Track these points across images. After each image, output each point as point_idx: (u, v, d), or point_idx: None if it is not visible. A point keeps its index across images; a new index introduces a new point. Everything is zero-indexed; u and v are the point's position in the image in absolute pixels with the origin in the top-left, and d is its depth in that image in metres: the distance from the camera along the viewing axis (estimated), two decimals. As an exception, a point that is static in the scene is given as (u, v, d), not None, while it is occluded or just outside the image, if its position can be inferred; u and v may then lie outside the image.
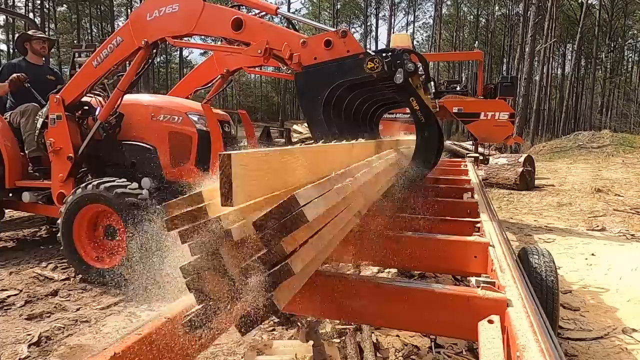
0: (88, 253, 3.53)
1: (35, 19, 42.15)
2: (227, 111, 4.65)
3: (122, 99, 3.70)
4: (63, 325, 2.73)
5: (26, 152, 4.16)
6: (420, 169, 1.74)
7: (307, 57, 2.23)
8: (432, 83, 2.42)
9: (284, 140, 17.70)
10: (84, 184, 3.50)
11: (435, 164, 1.77)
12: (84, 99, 3.95)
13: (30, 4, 40.92)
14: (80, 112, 3.93)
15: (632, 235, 5.32)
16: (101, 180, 3.44)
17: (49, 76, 4.74)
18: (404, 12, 54.18)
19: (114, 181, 3.43)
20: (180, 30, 3.19)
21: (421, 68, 1.97)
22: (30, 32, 4.75)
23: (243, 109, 6.01)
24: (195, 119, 3.85)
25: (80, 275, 3.54)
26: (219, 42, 3.36)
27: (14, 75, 4.35)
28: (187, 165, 3.81)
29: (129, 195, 3.32)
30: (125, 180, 3.48)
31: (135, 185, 3.46)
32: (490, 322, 1.11)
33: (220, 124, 3.94)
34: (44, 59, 4.84)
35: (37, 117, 3.98)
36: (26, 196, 4.10)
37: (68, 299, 3.17)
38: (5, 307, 3.00)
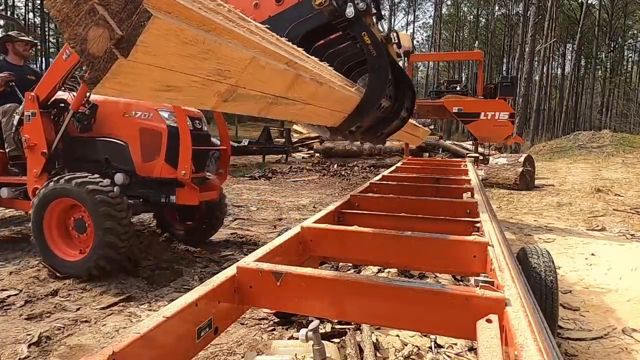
0: (58, 246, 3.63)
1: (35, 19, 42.23)
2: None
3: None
4: (63, 325, 2.73)
5: (6, 150, 4.27)
6: (373, 99, 1.74)
7: (262, 18, 2.20)
8: (383, 20, 2.40)
9: (284, 140, 17.72)
10: (55, 178, 3.60)
11: (383, 91, 1.76)
12: (61, 95, 4.04)
13: (30, 4, 40.99)
14: (56, 109, 4.02)
15: (632, 235, 5.32)
16: (73, 175, 3.54)
17: (29, 76, 4.84)
18: (404, 12, 54.27)
19: (86, 177, 3.52)
20: None
21: (373, 7, 1.95)
22: (13, 34, 4.84)
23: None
24: (166, 115, 3.89)
25: (51, 268, 3.63)
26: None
27: (5, 73, 4.45)
28: (157, 160, 3.86)
29: (100, 192, 3.42)
30: (98, 176, 3.57)
31: (107, 182, 3.55)
32: (489, 321, 1.12)
33: (191, 120, 3.99)
34: (23, 59, 4.95)
35: (14, 115, 4.12)
36: (4, 192, 4.22)
37: (68, 299, 3.18)
38: (5, 307, 3.00)
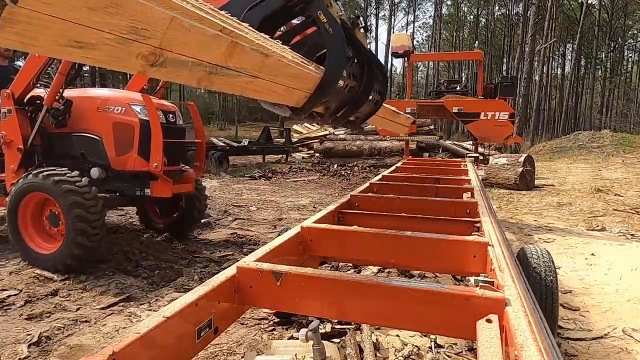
0: (33, 240, 3.74)
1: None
2: (176, 103, 4.79)
3: (65, 84, 3.89)
4: (63, 325, 2.73)
5: None
6: (333, 76, 1.74)
7: (220, 3, 2.20)
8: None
9: (284, 140, 17.72)
10: (26, 173, 3.71)
11: (342, 68, 1.77)
12: (38, 92, 4.12)
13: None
14: (32, 106, 4.11)
15: (632, 235, 5.32)
16: (42, 170, 3.64)
17: (13, 75, 4.90)
18: (404, 12, 54.28)
19: (54, 170, 3.63)
20: None
21: None
22: None
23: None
24: (138, 109, 3.96)
25: (27, 262, 3.75)
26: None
27: None
28: (131, 154, 3.94)
29: (66, 182, 3.51)
30: (67, 169, 3.67)
31: (75, 173, 3.64)
32: (489, 321, 1.12)
33: (164, 114, 4.07)
34: (7, 60, 5.02)
35: None
36: None
37: (68, 298, 3.18)
38: (5, 307, 3.00)
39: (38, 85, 4.09)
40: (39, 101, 4.10)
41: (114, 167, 4.01)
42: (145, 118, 3.90)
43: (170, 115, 4.17)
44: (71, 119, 4.04)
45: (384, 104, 2.53)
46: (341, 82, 1.80)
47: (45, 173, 3.57)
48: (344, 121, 2.17)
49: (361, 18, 2.17)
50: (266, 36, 1.32)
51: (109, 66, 0.81)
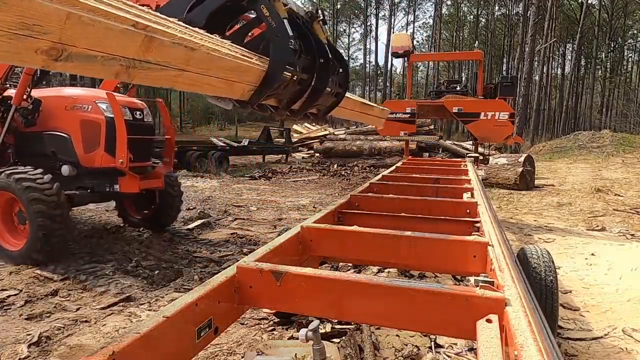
0: (4, 237, 3.87)
1: None
2: (146, 100, 4.97)
3: (32, 84, 4.02)
4: (63, 325, 2.73)
5: None
6: (276, 69, 1.76)
7: (157, 5, 2.21)
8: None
9: (284, 140, 17.72)
10: None
11: (285, 60, 1.77)
12: (9, 93, 4.25)
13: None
14: (3, 106, 4.24)
15: (632, 235, 5.32)
16: (6, 169, 3.77)
17: None
18: (404, 12, 54.22)
19: (16, 169, 3.76)
20: None
21: None
22: None
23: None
24: (104, 107, 4.05)
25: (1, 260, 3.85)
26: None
27: None
28: (98, 151, 4.04)
29: (26, 180, 3.62)
30: (31, 167, 3.78)
31: (38, 171, 3.75)
32: (489, 321, 1.12)
33: (131, 111, 4.17)
34: None
35: None
36: None
37: (68, 298, 3.18)
38: (5, 307, 3.00)
39: (8, 85, 4.26)
40: (9, 101, 4.23)
41: (83, 164, 4.12)
42: (111, 115, 4.00)
43: (138, 113, 4.27)
44: (41, 118, 4.16)
45: (352, 97, 2.61)
46: (288, 75, 1.80)
47: (8, 172, 3.70)
48: (304, 113, 2.20)
49: (320, 11, 2.23)
50: (200, 31, 1.34)
51: (10, 62, 0.83)
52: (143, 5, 1.49)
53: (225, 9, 1.92)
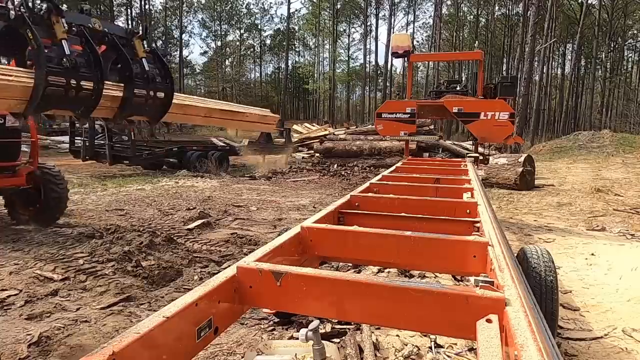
0: None
1: (36, 20, 42.09)
2: None
3: None
4: (63, 325, 2.73)
5: None
6: (37, 84, 2.11)
7: None
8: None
9: (284, 140, 17.71)
10: None
11: (43, 76, 2.10)
12: None
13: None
14: None
15: (632, 235, 5.32)
16: None
17: None
18: (403, 12, 54.19)
19: None
20: None
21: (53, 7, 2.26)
22: None
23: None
24: None
25: None
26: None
27: None
28: None
29: None
30: None
31: None
32: (489, 321, 1.12)
33: None
34: None
35: None
36: None
37: (68, 299, 3.18)
38: (5, 307, 3.00)
39: None
40: None
41: None
42: None
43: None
44: None
45: (213, 104, 3.12)
46: (61, 86, 2.09)
47: None
48: (121, 121, 2.56)
49: (141, 27, 2.71)
50: None
51: None
52: None
53: (7, 33, 2.20)
